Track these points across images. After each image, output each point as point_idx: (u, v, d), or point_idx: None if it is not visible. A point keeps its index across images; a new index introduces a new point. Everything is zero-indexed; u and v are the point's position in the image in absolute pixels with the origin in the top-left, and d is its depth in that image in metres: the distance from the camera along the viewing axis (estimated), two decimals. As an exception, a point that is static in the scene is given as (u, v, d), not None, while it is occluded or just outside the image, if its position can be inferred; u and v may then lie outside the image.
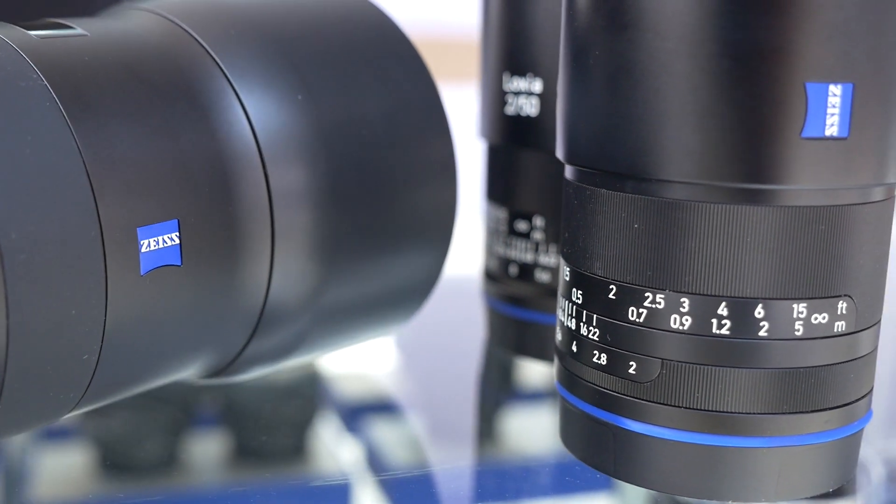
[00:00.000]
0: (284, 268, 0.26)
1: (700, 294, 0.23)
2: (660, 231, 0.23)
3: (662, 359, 0.24)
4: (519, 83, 0.33)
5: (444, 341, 0.40)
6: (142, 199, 0.23)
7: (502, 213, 0.34)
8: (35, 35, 0.24)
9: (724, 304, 0.23)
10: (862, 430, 0.25)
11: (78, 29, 0.25)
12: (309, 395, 0.34)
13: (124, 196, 0.23)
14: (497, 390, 0.35)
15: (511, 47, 0.33)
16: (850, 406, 0.24)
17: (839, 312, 0.23)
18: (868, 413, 0.25)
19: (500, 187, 0.34)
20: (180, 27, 0.27)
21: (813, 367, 0.23)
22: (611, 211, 0.24)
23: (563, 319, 0.26)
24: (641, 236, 0.23)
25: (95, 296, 0.23)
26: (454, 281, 0.46)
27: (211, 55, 0.26)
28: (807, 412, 0.23)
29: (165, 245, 0.24)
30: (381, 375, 0.36)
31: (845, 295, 0.23)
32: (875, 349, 0.25)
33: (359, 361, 0.37)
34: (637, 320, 0.24)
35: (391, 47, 0.30)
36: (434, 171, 0.29)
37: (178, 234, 0.24)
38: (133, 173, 0.23)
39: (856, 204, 0.23)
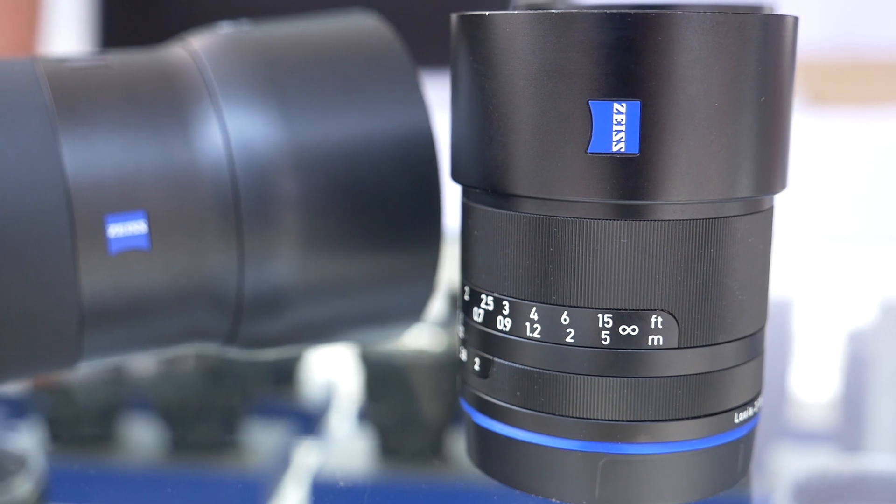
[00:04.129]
0: (256, 264, 0.31)
1: (517, 299, 0.25)
2: (487, 238, 0.25)
3: (493, 357, 0.25)
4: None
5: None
6: (113, 193, 0.29)
7: None
8: (68, 66, 0.31)
9: (534, 309, 0.24)
10: (713, 448, 0.25)
11: (106, 60, 0.32)
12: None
13: (96, 189, 0.29)
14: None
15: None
16: (682, 422, 0.24)
17: (654, 327, 0.24)
18: (725, 435, 0.25)
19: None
20: (193, 57, 0.32)
21: (624, 377, 0.24)
22: (464, 219, 0.26)
23: (462, 321, 0.28)
24: (478, 243, 0.25)
25: (65, 266, 0.29)
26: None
27: (205, 82, 0.32)
28: (622, 422, 0.24)
29: (134, 233, 0.30)
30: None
31: (660, 310, 0.24)
32: (737, 367, 0.25)
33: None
34: (478, 320, 0.26)
35: (388, 75, 0.33)
36: (416, 191, 0.33)
37: (146, 223, 0.30)
38: (108, 172, 0.30)
39: (668, 220, 0.23)
